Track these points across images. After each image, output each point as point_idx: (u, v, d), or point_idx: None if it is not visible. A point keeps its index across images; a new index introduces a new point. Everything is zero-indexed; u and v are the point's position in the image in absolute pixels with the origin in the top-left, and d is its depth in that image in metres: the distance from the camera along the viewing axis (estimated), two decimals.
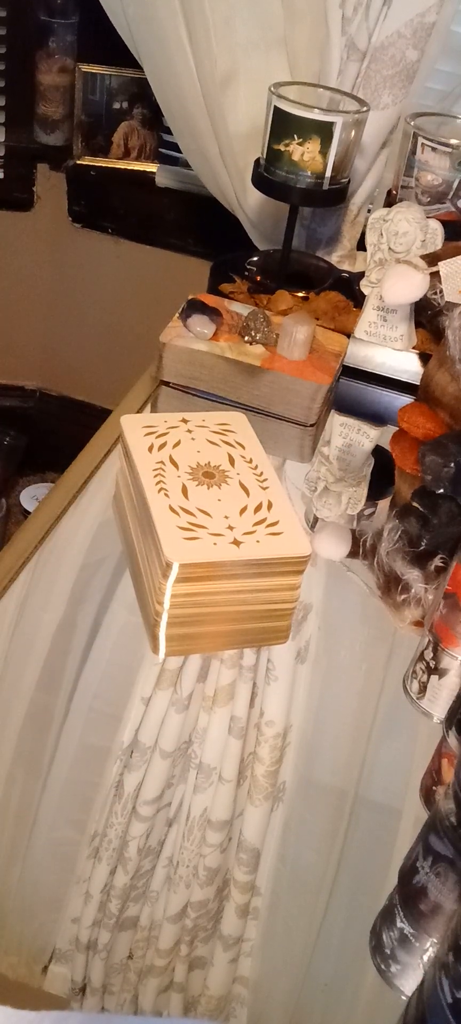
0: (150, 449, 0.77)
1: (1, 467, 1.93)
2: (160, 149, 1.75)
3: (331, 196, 1.16)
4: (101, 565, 0.84)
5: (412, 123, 1.17)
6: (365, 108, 1.13)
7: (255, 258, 1.27)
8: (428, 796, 0.64)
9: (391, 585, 0.79)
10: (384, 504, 0.94)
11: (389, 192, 1.28)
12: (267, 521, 0.71)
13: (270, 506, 0.73)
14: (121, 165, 1.77)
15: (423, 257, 1.03)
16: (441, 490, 0.86)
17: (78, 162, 1.77)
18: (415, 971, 0.53)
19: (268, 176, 1.14)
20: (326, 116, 1.10)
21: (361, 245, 1.26)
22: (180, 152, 1.52)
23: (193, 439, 0.79)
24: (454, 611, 0.68)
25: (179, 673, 0.72)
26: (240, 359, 1.00)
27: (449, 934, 0.49)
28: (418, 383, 1.07)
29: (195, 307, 1.03)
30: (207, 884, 0.60)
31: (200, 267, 1.40)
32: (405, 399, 1.08)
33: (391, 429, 1.04)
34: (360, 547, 0.84)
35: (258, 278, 1.22)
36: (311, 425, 1.01)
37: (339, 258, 1.34)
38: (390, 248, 1.07)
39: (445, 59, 1.25)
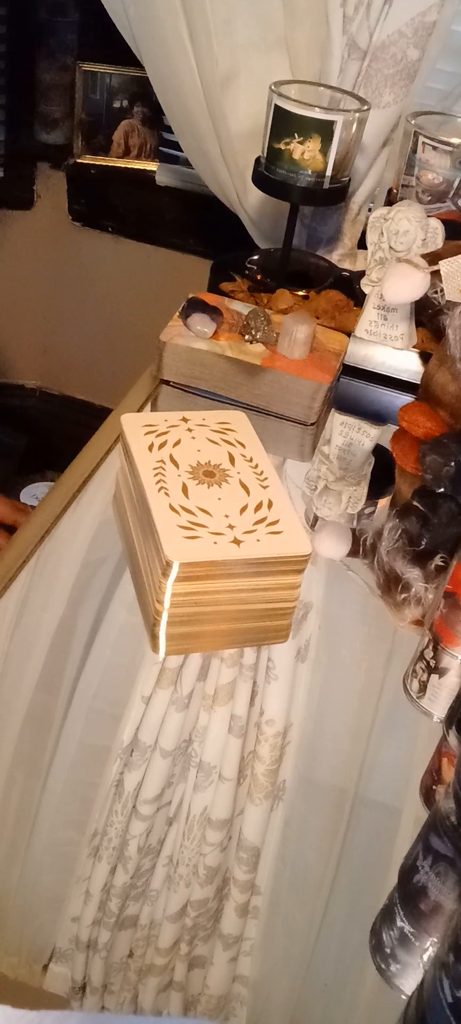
0: (150, 448, 0.77)
1: (1, 466, 1.93)
2: (160, 148, 1.75)
3: (332, 195, 1.16)
4: (101, 565, 0.84)
5: (413, 122, 1.17)
6: (366, 107, 1.13)
7: (255, 257, 1.27)
8: (428, 795, 0.64)
9: (391, 584, 0.79)
10: (384, 503, 0.94)
11: (390, 191, 1.28)
12: (267, 520, 0.71)
13: (270, 505, 0.73)
14: (121, 164, 1.77)
15: (424, 256, 1.03)
16: (441, 489, 0.86)
17: (78, 161, 1.77)
18: (415, 970, 0.53)
19: (268, 175, 1.14)
20: (327, 115, 1.10)
21: (362, 244, 1.26)
22: (180, 151, 1.52)
23: (193, 438, 0.79)
24: (454, 610, 0.68)
25: (179, 672, 0.72)
26: (240, 358, 1.00)
27: (449, 933, 0.49)
28: (418, 382, 1.07)
29: (195, 306, 1.03)
30: (207, 883, 0.60)
31: (200, 266, 1.40)
32: (405, 398, 1.08)
33: (391, 428, 1.04)
34: (360, 546, 0.84)
35: (258, 277, 1.22)
36: (311, 424, 1.01)
37: (340, 257, 1.33)
38: (391, 247, 1.07)
39: (446, 58, 1.24)
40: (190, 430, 0.80)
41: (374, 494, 0.96)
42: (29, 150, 1.78)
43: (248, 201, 1.35)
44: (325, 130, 1.09)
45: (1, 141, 1.76)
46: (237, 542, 0.69)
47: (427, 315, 1.10)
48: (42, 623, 0.76)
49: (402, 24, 1.16)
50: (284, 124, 1.10)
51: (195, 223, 1.73)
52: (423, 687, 0.70)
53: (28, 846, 0.61)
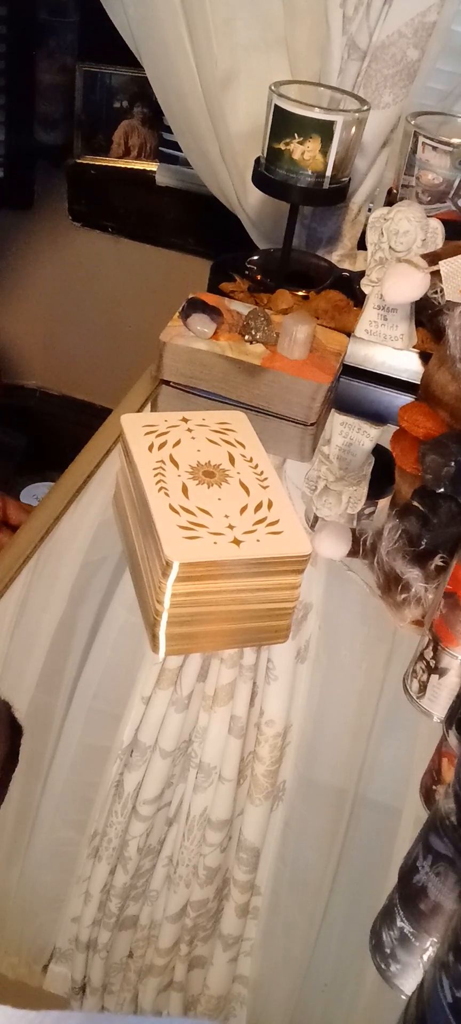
0: (150, 448, 0.77)
1: (1, 466, 1.93)
2: (160, 148, 1.75)
3: (331, 195, 1.16)
4: (101, 565, 0.84)
5: (413, 122, 1.17)
6: (366, 107, 1.13)
7: (255, 257, 1.27)
8: (428, 795, 0.64)
9: (391, 584, 0.79)
10: (384, 503, 0.94)
11: (390, 191, 1.28)
12: (267, 520, 0.71)
13: (270, 505, 0.73)
14: (121, 164, 1.77)
15: (424, 256, 1.03)
16: (441, 489, 0.86)
17: (78, 161, 1.77)
18: (415, 971, 0.53)
19: (268, 175, 1.14)
20: (327, 115, 1.10)
21: (361, 244, 1.26)
22: (180, 151, 1.52)
23: (193, 438, 0.79)
24: (454, 610, 0.68)
25: (179, 672, 0.72)
26: (240, 358, 1.00)
27: (449, 933, 0.49)
28: (418, 382, 1.07)
29: (195, 306, 1.03)
30: (207, 883, 0.60)
31: (200, 266, 1.40)
32: (405, 398, 1.08)
33: (391, 428, 1.04)
34: (360, 546, 0.84)
35: (258, 277, 1.21)
36: (311, 424, 1.01)
37: (339, 257, 1.33)
38: (391, 247, 1.07)
39: (446, 59, 1.24)
40: (190, 430, 0.80)
41: (374, 494, 0.96)
42: (29, 150, 1.78)
43: (248, 201, 1.35)
44: (325, 130, 1.09)
45: (1, 141, 1.76)
46: (237, 542, 0.69)
47: (427, 315, 1.10)
48: (42, 623, 0.76)
49: (402, 24, 1.16)
50: (284, 124, 1.10)
51: (195, 223, 1.73)
52: (423, 687, 0.70)
53: (28, 846, 0.61)
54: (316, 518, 0.91)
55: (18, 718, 0.66)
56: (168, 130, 1.63)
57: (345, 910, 0.60)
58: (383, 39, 1.18)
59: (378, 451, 1.04)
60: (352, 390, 1.12)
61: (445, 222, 1.07)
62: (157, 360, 1.03)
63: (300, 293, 1.18)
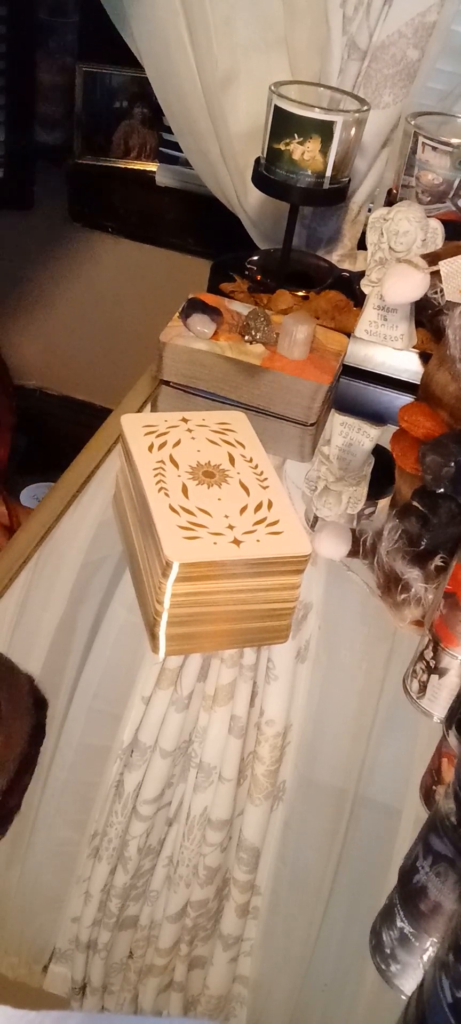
0: (150, 448, 0.77)
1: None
2: (160, 148, 1.75)
3: (331, 195, 1.16)
4: (101, 565, 0.84)
5: (413, 122, 1.17)
6: (366, 107, 1.13)
7: (255, 257, 1.27)
8: (428, 796, 0.64)
9: (391, 584, 0.79)
10: (384, 503, 0.94)
11: (389, 191, 1.28)
12: (267, 520, 0.71)
13: (270, 505, 0.73)
14: (121, 164, 1.77)
15: (423, 256, 1.03)
16: (441, 489, 0.86)
17: (78, 161, 1.77)
18: (415, 971, 0.53)
19: (268, 175, 1.14)
20: (326, 115, 1.10)
21: (361, 244, 1.26)
22: (180, 151, 1.52)
23: (193, 438, 0.79)
24: (454, 610, 0.68)
25: (179, 672, 0.72)
26: (240, 358, 1.00)
27: (449, 934, 0.49)
28: (418, 382, 1.07)
29: (195, 306, 1.03)
30: (207, 883, 0.60)
31: (200, 266, 1.40)
32: (405, 398, 1.08)
33: (391, 428, 1.05)
34: (360, 546, 0.84)
35: (258, 277, 1.22)
36: (311, 424, 1.01)
37: (339, 257, 1.33)
38: (390, 247, 1.07)
39: (446, 59, 1.24)
40: (190, 430, 0.80)
41: (374, 494, 0.96)
42: (29, 150, 1.78)
43: (248, 201, 1.35)
44: (325, 131, 1.09)
45: (1, 141, 1.76)
46: (237, 542, 0.69)
47: (427, 315, 1.10)
48: (42, 623, 0.76)
49: (402, 24, 1.16)
50: (284, 125, 1.10)
51: (195, 223, 1.73)
52: (423, 687, 0.70)
53: (28, 846, 0.61)
54: (316, 518, 0.91)
55: (42, 691, 0.66)
56: (168, 130, 1.63)
57: (345, 910, 0.60)
58: (383, 39, 1.18)
59: (378, 451, 1.04)
60: (352, 390, 1.12)
61: (445, 222, 1.07)
62: (157, 360, 1.03)
63: (300, 293, 1.18)
